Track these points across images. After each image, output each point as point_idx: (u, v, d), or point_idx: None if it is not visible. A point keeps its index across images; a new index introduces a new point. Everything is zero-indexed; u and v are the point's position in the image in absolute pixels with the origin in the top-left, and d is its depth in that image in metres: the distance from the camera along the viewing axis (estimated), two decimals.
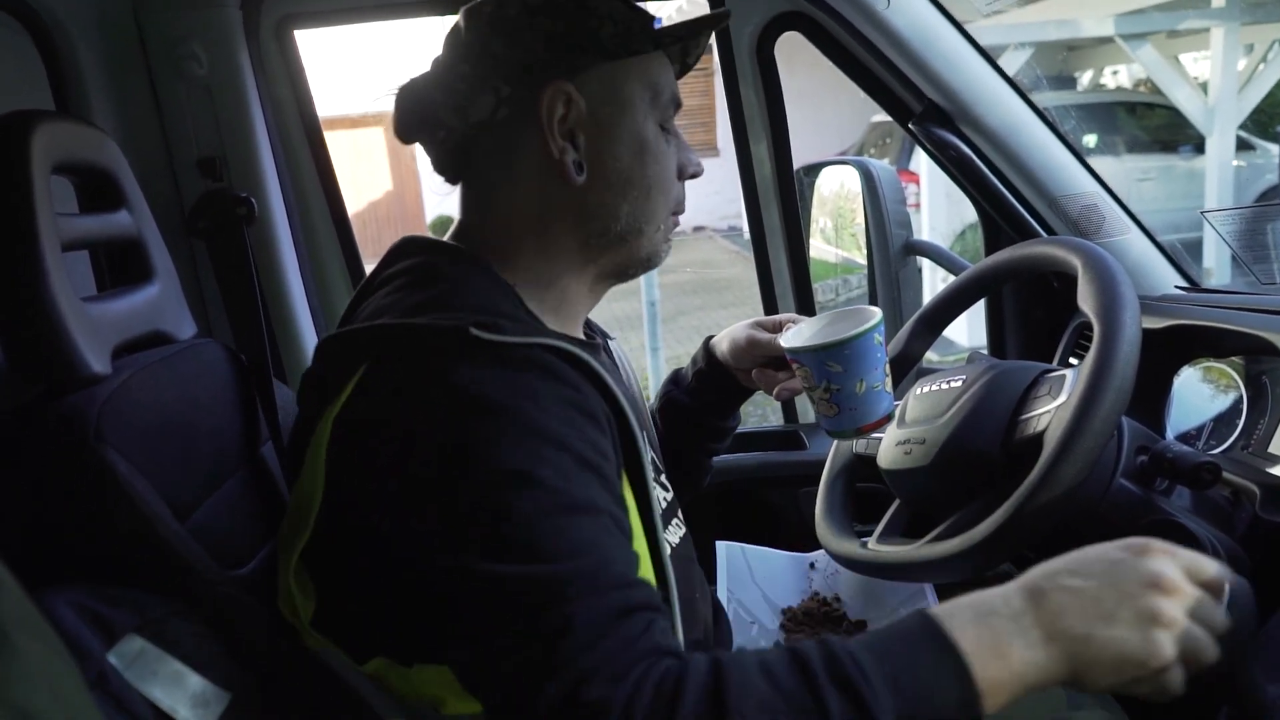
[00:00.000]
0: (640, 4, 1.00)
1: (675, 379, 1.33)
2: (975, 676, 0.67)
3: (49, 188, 0.93)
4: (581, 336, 1.05)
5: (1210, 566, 0.73)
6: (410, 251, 0.97)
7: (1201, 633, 0.70)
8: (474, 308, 0.86)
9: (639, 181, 0.97)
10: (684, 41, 1.02)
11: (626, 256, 1.01)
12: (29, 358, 0.90)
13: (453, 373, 0.78)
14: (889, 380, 1.07)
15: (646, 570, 0.86)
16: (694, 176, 1.05)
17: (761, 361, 1.21)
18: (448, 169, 1.00)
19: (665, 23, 1.05)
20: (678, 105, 1.02)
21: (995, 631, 0.69)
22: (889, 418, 1.08)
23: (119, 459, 0.88)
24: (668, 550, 0.90)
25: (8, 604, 0.43)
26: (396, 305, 0.88)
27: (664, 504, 1.08)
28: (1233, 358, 1.28)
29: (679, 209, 1.04)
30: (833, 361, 1.03)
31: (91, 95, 1.35)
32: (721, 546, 1.37)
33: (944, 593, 1.24)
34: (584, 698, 0.64)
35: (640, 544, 0.87)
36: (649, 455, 1.00)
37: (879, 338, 1.04)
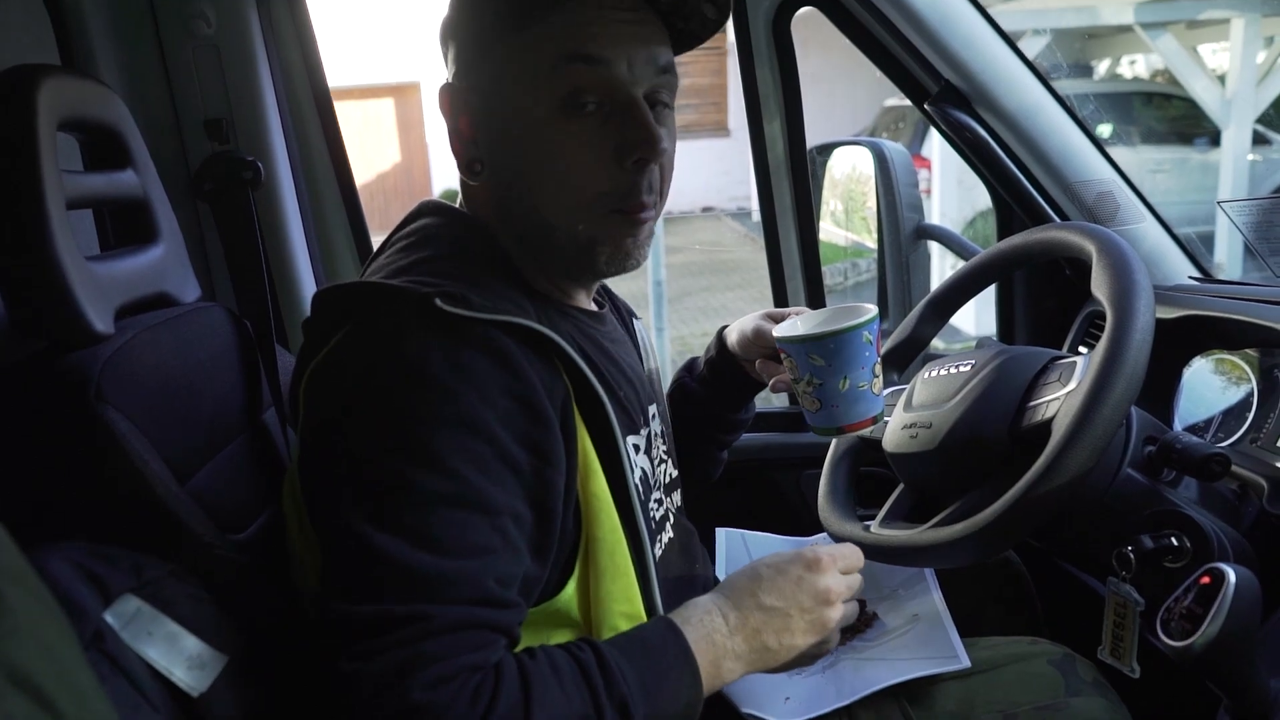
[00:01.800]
0: None
1: (689, 368, 1.32)
2: (701, 686, 0.85)
3: (54, 144, 0.92)
4: (589, 305, 1.03)
5: (855, 556, 0.98)
6: (424, 214, 0.98)
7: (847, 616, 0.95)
8: (455, 275, 0.86)
9: (525, 181, 0.90)
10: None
11: (556, 260, 0.94)
12: (32, 315, 0.89)
13: (406, 340, 0.80)
14: (878, 382, 1.06)
15: (609, 547, 0.89)
16: (640, 162, 0.87)
17: (766, 353, 1.20)
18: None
19: None
20: (590, 61, 0.85)
21: (716, 649, 0.88)
22: (874, 420, 1.07)
23: (119, 418, 0.87)
24: (640, 521, 0.91)
25: (3, 559, 0.43)
26: (388, 266, 0.90)
27: (664, 481, 1.07)
28: (1245, 350, 1.27)
29: (623, 202, 0.89)
30: (816, 355, 1.02)
31: (98, 53, 1.33)
32: (721, 533, 1.36)
33: (944, 576, 1.24)
34: (410, 685, 0.70)
35: (610, 518, 0.89)
36: (641, 436, 1.00)
37: (869, 336, 1.02)
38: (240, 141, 1.49)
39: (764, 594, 0.91)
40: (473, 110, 0.91)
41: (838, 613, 0.93)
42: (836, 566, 0.94)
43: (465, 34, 0.91)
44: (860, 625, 1.25)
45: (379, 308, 0.84)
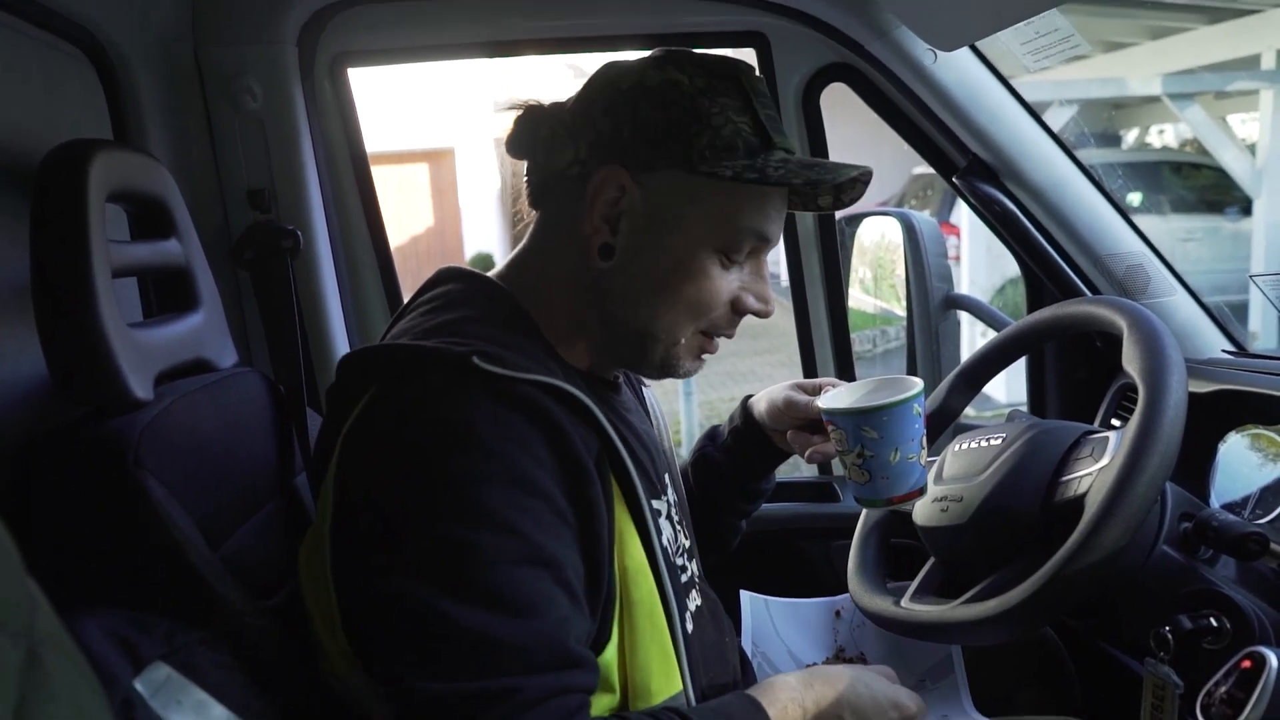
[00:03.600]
0: (779, 138, 0.95)
1: (711, 435, 1.32)
2: None
3: (104, 215, 0.95)
4: (607, 376, 1.05)
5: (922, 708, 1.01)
6: (445, 279, 1.00)
7: None
8: (485, 337, 0.87)
9: (666, 292, 0.95)
10: (782, 186, 0.95)
11: (638, 354, 0.99)
12: (75, 381, 0.91)
13: (447, 403, 0.80)
14: (924, 454, 1.06)
15: (648, 610, 0.90)
16: (755, 314, 1.00)
17: (798, 424, 1.20)
18: (530, 196, 1.02)
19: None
20: (763, 240, 0.97)
21: None
22: (920, 491, 1.07)
23: (156, 485, 0.89)
24: (669, 584, 0.92)
25: (41, 624, 0.43)
26: (416, 328, 0.92)
27: (684, 548, 1.07)
28: None
29: (716, 332, 1.00)
30: (869, 427, 1.02)
31: (148, 124, 1.38)
32: (745, 597, 1.35)
33: (978, 653, 1.21)
34: None
35: (646, 579, 0.90)
36: (662, 501, 1.01)
37: (918, 409, 1.03)
38: (281, 211, 1.53)
39: (848, 710, 0.95)
40: (633, 207, 0.93)
41: None
42: (916, 705, 1.00)
43: (671, 143, 0.92)
44: None
45: (409, 369, 0.85)
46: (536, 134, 0.98)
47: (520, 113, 0.99)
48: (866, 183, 0.99)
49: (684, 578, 1.04)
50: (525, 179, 1.02)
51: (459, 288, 0.98)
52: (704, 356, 1.02)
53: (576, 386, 0.88)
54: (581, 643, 0.80)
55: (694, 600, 1.05)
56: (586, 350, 1.00)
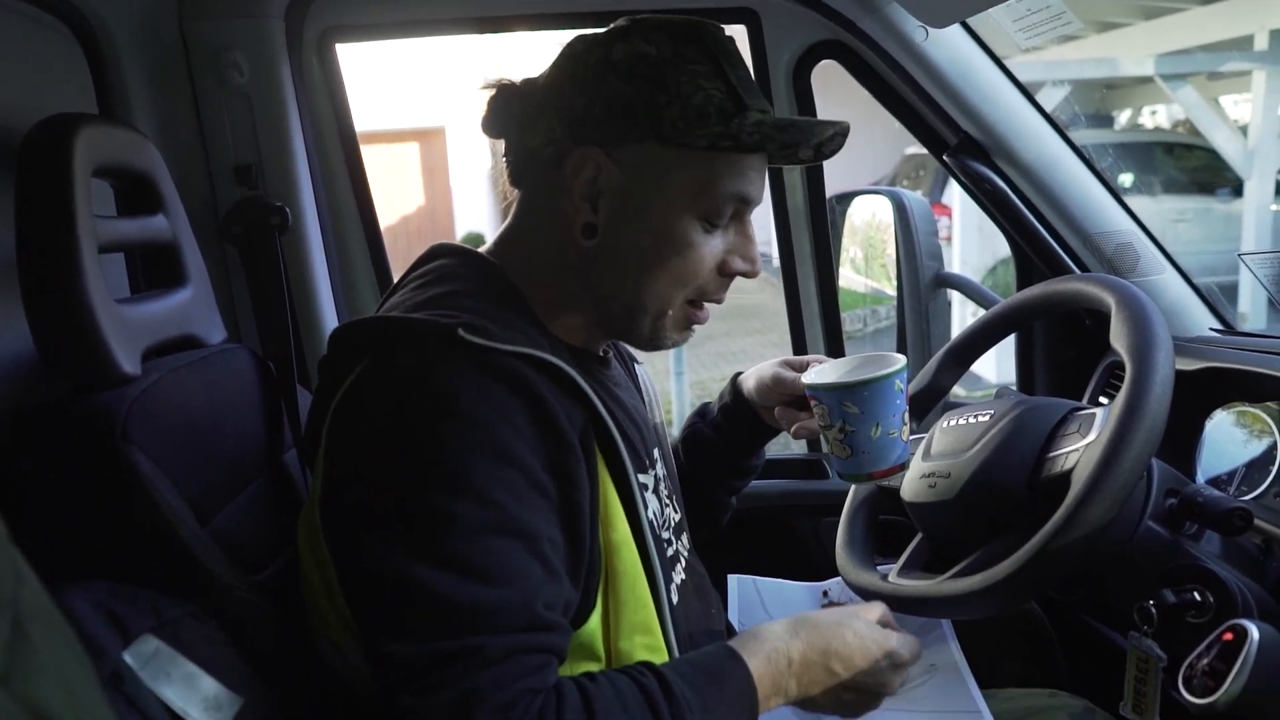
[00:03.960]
0: (752, 100, 0.94)
1: (701, 413, 1.32)
2: (757, 713, 0.88)
3: (89, 190, 0.94)
4: (596, 350, 1.05)
5: (916, 648, 0.99)
6: (438, 255, 1.00)
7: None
8: (475, 310, 0.88)
9: (651, 264, 0.95)
10: (757, 150, 0.94)
11: (626, 326, 1.00)
12: (61, 356, 0.91)
13: (432, 374, 0.81)
14: (907, 429, 1.07)
15: (631, 581, 0.90)
16: (742, 274, 0.99)
17: (785, 400, 1.20)
18: (509, 175, 1.02)
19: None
20: (744, 203, 0.96)
21: (773, 686, 0.90)
22: (902, 466, 1.07)
23: (143, 459, 0.89)
24: (655, 556, 0.93)
25: (27, 597, 0.43)
26: (407, 302, 0.92)
27: (672, 522, 1.07)
28: (1268, 403, 1.26)
29: (705, 299, 0.99)
30: (850, 402, 1.03)
31: (134, 100, 1.37)
32: (733, 579, 1.36)
33: (963, 626, 1.22)
34: (475, 718, 0.72)
35: (630, 551, 0.90)
36: (649, 475, 1.02)
37: (900, 385, 1.04)
38: (268, 187, 1.52)
39: (835, 659, 0.93)
40: (611, 184, 0.93)
41: (894, 683, 0.96)
42: (907, 647, 0.98)
43: (641, 114, 0.91)
44: None
45: (399, 341, 0.85)
46: (509, 112, 0.98)
47: (493, 92, 0.99)
48: (844, 135, 0.98)
49: (669, 551, 1.04)
50: (504, 158, 1.02)
51: (451, 263, 0.98)
52: (693, 327, 1.01)
53: (564, 360, 0.88)
54: (553, 609, 0.80)
55: (679, 574, 1.06)
56: (576, 325, 1.00)
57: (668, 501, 1.09)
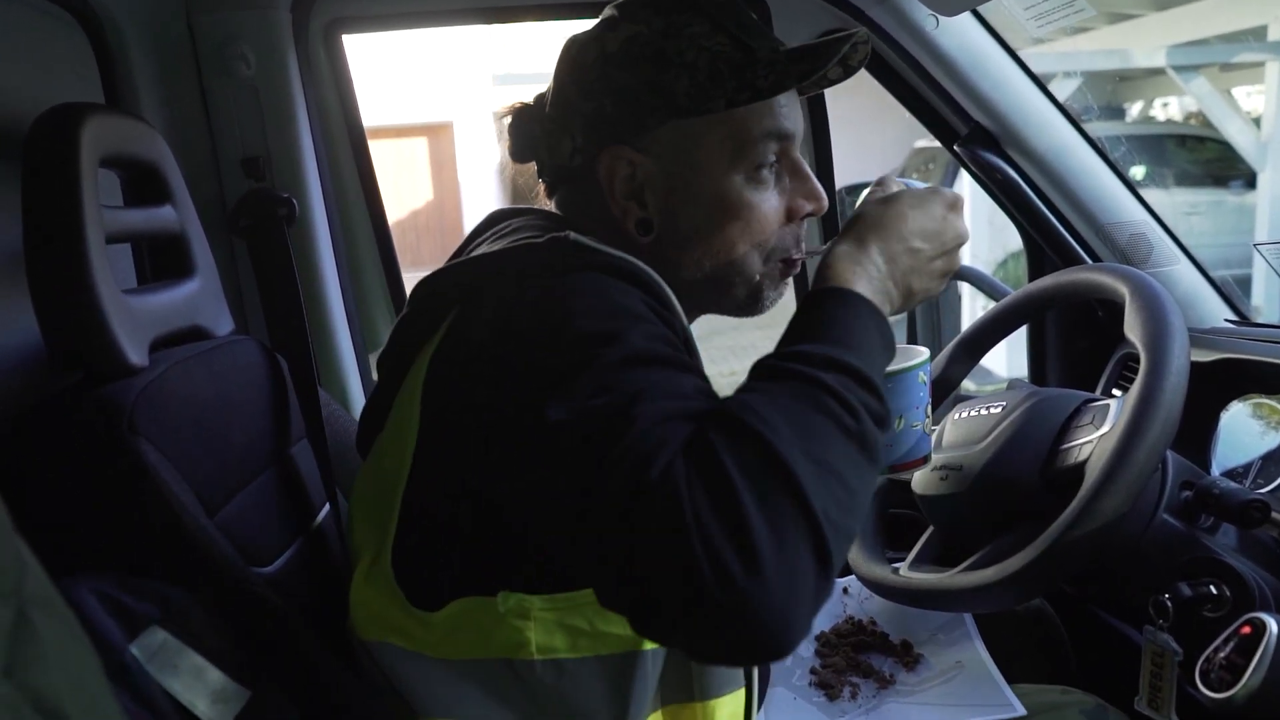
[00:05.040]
0: (760, 41, 0.91)
1: None
2: (885, 320, 0.81)
3: (96, 180, 0.94)
4: None
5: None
6: (506, 216, 0.97)
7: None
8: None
9: (716, 238, 0.92)
10: (777, 92, 0.90)
11: (716, 299, 0.97)
12: (68, 346, 0.91)
13: (548, 277, 0.77)
14: (929, 423, 1.05)
15: None
16: (812, 214, 0.96)
17: None
18: (547, 189, 1.01)
19: None
20: (783, 138, 0.92)
21: (877, 293, 0.82)
22: (925, 460, 1.06)
23: (151, 450, 0.88)
24: None
25: (31, 587, 0.43)
26: (490, 250, 0.87)
27: None
28: None
29: (789, 254, 0.96)
30: None
31: (141, 91, 1.36)
32: None
33: (982, 623, 1.22)
34: (648, 473, 0.64)
35: None
36: None
37: (924, 377, 1.02)
38: (276, 179, 1.52)
39: (912, 237, 0.86)
40: (650, 177, 0.91)
41: (914, 706, 0.93)
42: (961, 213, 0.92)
43: (652, 96, 0.89)
44: (909, 663, 1.23)
45: (498, 270, 0.81)
46: (533, 133, 0.97)
47: (511, 119, 0.99)
48: (866, 43, 0.95)
49: None
50: (539, 179, 1.00)
51: (523, 219, 0.94)
52: (789, 282, 0.99)
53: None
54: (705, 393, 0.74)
55: None
56: None
57: None
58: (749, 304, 0.98)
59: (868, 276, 0.82)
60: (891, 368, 1.00)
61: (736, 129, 0.90)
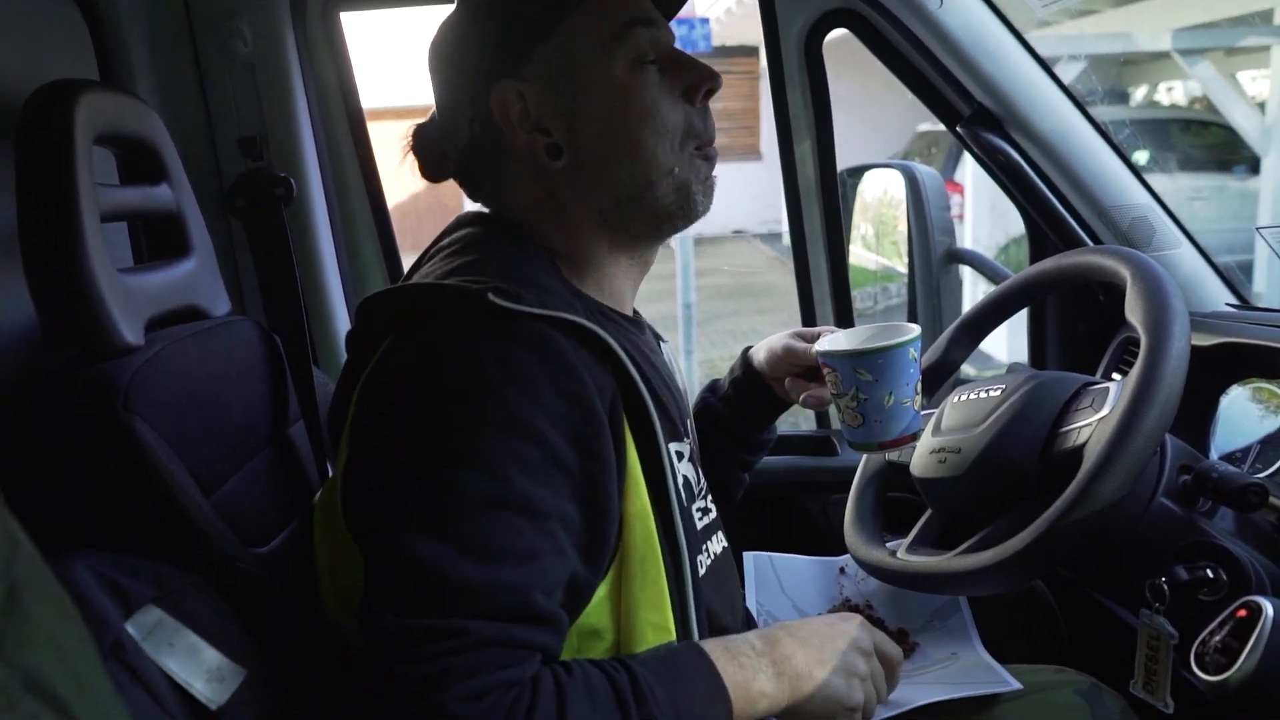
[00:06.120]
0: None
1: (712, 388, 1.31)
2: (732, 707, 0.84)
3: (91, 157, 0.93)
4: (628, 312, 1.04)
5: (894, 650, 0.98)
6: (465, 224, 1.00)
7: (875, 693, 0.93)
8: (503, 275, 0.86)
9: (623, 140, 0.93)
10: None
11: (651, 214, 0.97)
12: (63, 325, 0.90)
13: (457, 340, 0.81)
14: (919, 400, 1.05)
15: (643, 548, 0.88)
16: (709, 94, 0.97)
17: (796, 371, 1.19)
18: (466, 189, 1.03)
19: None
20: (648, 24, 0.94)
21: (744, 670, 0.86)
22: (914, 437, 1.06)
23: (146, 429, 0.88)
24: (682, 531, 0.90)
25: (21, 565, 0.43)
26: (435, 272, 0.91)
27: (704, 489, 1.06)
28: None
29: (701, 138, 0.97)
30: (863, 370, 1.01)
31: (136, 69, 1.36)
32: (749, 557, 1.35)
33: (976, 603, 1.22)
34: (446, 699, 0.70)
35: (645, 525, 0.88)
36: (684, 444, 1.00)
37: (914, 353, 1.02)
38: (273, 158, 1.51)
39: (802, 628, 0.92)
40: (542, 100, 0.93)
41: (867, 667, 0.93)
42: (872, 633, 0.96)
43: (510, 30, 0.93)
44: (905, 650, 1.23)
45: (427, 310, 0.85)
46: (431, 139, 1.01)
47: (412, 138, 1.03)
48: None
49: (704, 521, 1.02)
50: (459, 183, 1.02)
51: (479, 230, 0.97)
52: (713, 175, 0.99)
53: (597, 324, 0.86)
54: (554, 597, 0.79)
55: (714, 545, 1.04)
56: (602, 277, 0.99)
57: (710, 507, 1.08)
58: (681, 205, 0.97)
59: (735, 648, 0.88)
60: (882, 344, 1.00)
61: (601, 24, 0.92)
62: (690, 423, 1.10)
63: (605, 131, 0.93)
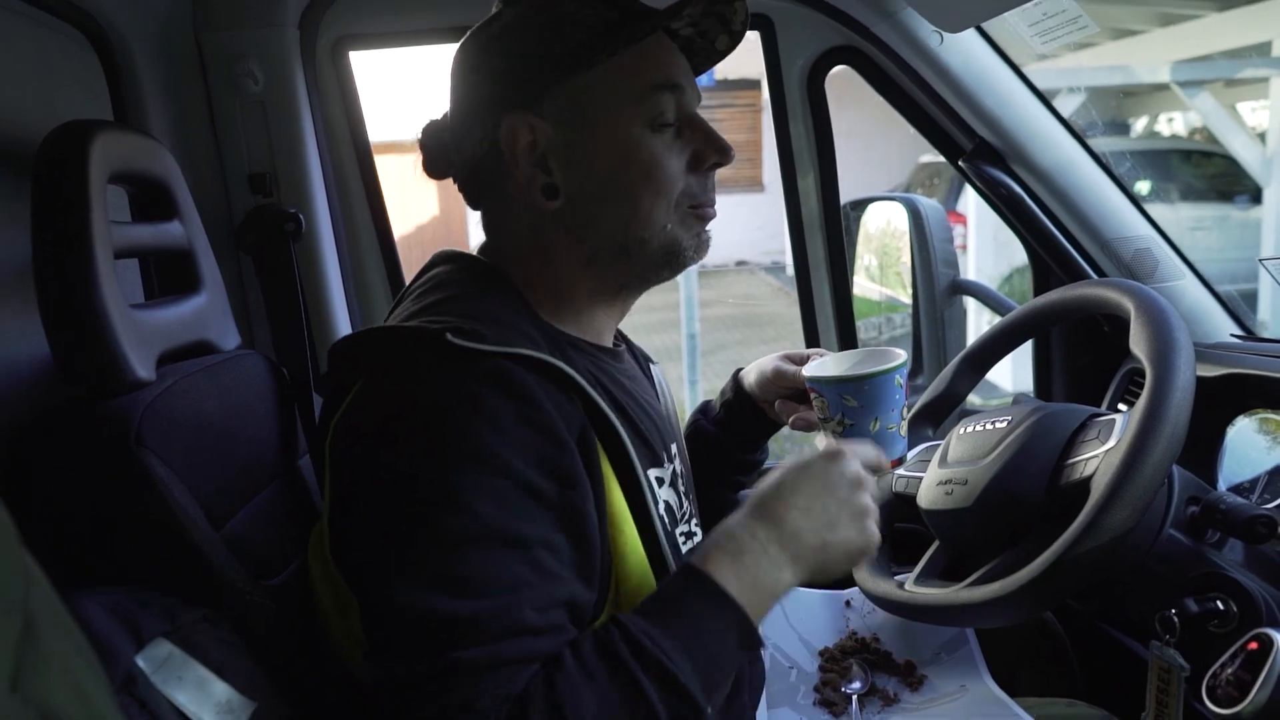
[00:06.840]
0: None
1: (704, 409, 1.32)
2: (748, 615, 0.79)
3: (105, 196, 0.95)
4: (607, 343, 1.04)
5: (873, 452, 0.92)
6: (438, 263, 1.01)
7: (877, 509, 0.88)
8: (470, 313, 0.87)
9: (623, 189, 0.93)
10: (663, 23, 0.93)
11: (637, 265, 0.97)
12: (76, 361, 0.91)
13: (420, 381, 0.81)
14: (905, 425, 1.06)
15: (638, 575, 0.88)
16: (716, 166, 0.97)
17: (786, 393, 1.20)
18: (468, 199, 1.03)
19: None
20: (675, 89, 0.95)
21: (751, 569, 0.81)
22: (899, 462, 1.07)
23: (157, 463, 0.89)
24: (669, 554, 0.90)
25: (37, 599, 0.43)
26: (404, 312, 0.93)
27: (693, 516, 1.06)
28: None
29: (698, 202, 0.97)
30: (849, 396, 1.02)
31: (149, 108, 1.38)
32: None
33: (985, 635, 1.21)
34: None
35: (635, 549, 0.88)
36: (665, 470, 1.00)
37: (900, 380, 1.03)
38: (283, 195, 1.53)
39: (795, 494, 0.85)
40: (550, 139, 0.93)
41: (868, 496, 0.88)
42: (855, 457, 0.89)
43: (537, 63, 0.93)
44: (913, 684, 1.23)
45: (392, 352, 0.85)
46: (443, 141, 1.01)
47: (422, 134, 1.03)
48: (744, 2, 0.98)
49: (692, 544, 1.03)
50: (460, 192, 1.03)
51: (448, 270, 0.98)
52: (707, 233, 0.99)
53: (565, 356, 0.87)
54: (547, 612, 0.77)
55: None
56: (579, 313, 0.99)
57: (687, 498, 1.08)
58: (667, 259, 0.97)
59: (725, 546, 0.82)
60: (867, 370, 1.01)
61: (627, 79, 0.93)
62: (679, 446, 1.11)
63: (605, 182, 0.94)
